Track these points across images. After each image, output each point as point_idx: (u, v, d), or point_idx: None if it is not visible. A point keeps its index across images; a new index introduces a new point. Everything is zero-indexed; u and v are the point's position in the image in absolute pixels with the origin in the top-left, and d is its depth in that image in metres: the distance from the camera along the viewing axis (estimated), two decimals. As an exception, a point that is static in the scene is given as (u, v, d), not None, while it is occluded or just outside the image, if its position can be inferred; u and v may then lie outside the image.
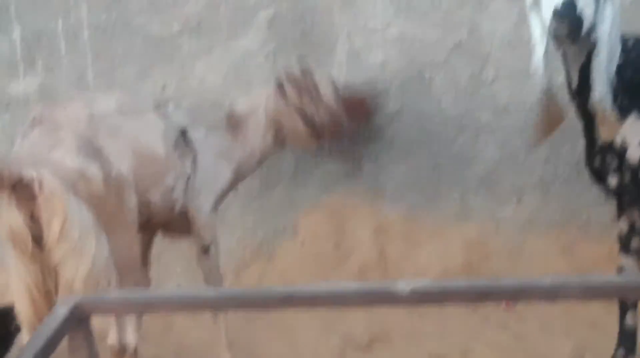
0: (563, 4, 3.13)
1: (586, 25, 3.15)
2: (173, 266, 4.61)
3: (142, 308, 2.00)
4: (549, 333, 4.11)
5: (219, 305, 2.00)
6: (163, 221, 3.79)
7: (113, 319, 3.50)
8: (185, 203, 3.74)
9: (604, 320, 3.97)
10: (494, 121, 4.35)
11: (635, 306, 3.66)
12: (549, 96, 3.38)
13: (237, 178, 4.00)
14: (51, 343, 1.89)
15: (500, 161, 4.41)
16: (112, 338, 3.54)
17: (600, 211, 4.25)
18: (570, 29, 3.14)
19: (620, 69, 3.28)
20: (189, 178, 3.71)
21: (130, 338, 3.53)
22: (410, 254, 4.51)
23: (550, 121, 3.47)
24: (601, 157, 3.43)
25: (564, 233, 4.44)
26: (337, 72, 4.29)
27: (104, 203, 3.28)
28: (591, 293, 1.88)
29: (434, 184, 4.46)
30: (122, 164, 3.42)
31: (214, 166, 3.87)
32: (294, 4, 4.25)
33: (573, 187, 4.36)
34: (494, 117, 4.35)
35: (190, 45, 4.40)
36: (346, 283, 1.98)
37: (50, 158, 3.22)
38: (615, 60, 3.25)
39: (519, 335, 4.13)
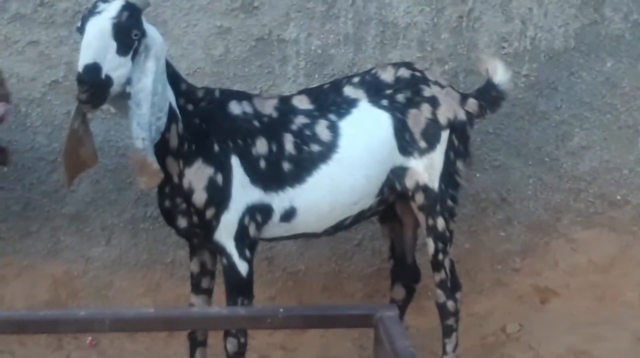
0: (85, 67, 3.08)
1: (120, 84, 3.17)
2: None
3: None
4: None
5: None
6: None
7: None
8: None
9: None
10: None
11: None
12: (75, 137, 3.35)
13: None
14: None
15: (91, 201, 4.51)
16: None
17: (184, 252, 4.41)
18: (92, 95, 3.11)
19: (189, 118, 3.43)
20: None
21: None
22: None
23: (76, 162, 3.43)
24: (170, 199, 3.54)
25: (150, 273, 4.60)
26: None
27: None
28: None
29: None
30: None
31: None
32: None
33: (161, 229, 4.52)
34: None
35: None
36: None
37: None
38: (161, 112, 3.29)
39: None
